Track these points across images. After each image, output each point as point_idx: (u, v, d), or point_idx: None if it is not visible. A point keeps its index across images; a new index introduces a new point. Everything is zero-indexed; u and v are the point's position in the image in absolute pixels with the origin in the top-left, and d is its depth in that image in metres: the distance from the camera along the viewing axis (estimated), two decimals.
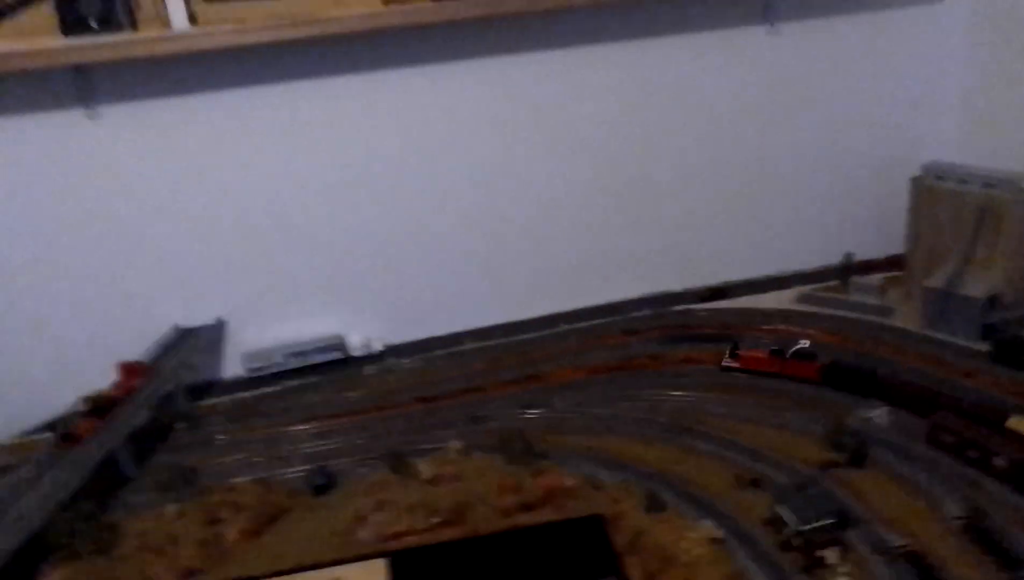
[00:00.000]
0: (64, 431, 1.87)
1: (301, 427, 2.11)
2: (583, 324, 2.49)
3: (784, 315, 2.44)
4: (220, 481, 1.89)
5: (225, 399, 2.26)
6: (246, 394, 2.27)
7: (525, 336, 2.45)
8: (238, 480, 1.89)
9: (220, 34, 1.91)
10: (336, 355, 2.35)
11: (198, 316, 2.30)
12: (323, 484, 1.86)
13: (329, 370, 2.33)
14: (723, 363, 2.18)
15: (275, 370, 2.32)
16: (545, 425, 2.00)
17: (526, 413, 2.07)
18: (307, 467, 1.92)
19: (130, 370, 2.06)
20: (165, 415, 2.11)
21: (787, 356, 2.13)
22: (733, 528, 1.61)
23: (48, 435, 1.99)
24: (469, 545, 1.63)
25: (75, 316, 2.22)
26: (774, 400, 2.03)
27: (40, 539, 1.66)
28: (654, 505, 1.66)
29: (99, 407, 1.94)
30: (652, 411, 2.02)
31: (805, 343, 2.13)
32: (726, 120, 2.48)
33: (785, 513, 1.58)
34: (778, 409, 1.99)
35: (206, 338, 2.26)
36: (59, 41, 1.88)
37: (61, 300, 2.21)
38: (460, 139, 2.31)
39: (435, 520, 1.68)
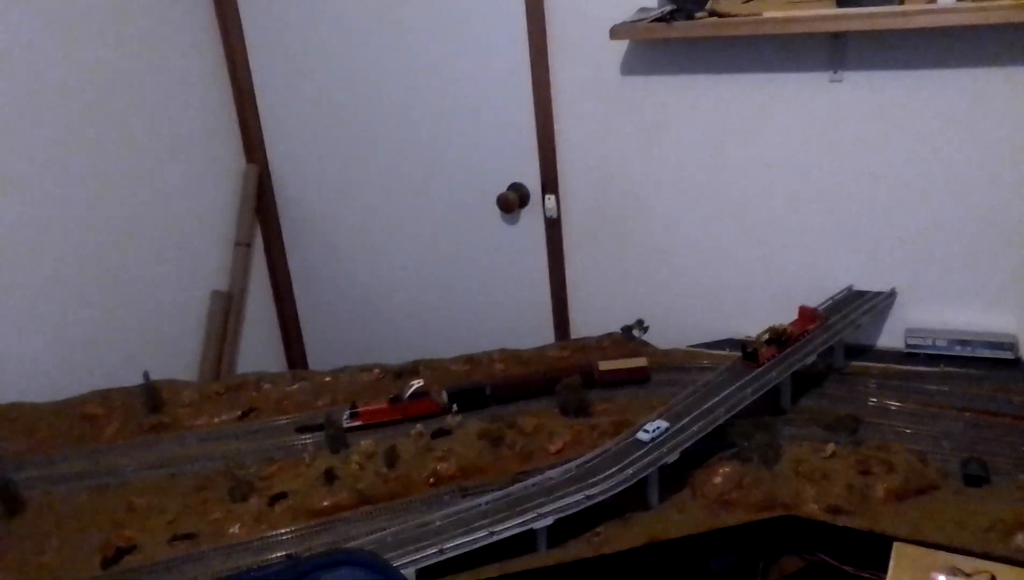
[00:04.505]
0: (750, 351, 2.15)
1: (954, 413, 2.08)
2: None
3: None
4: (876, 438, 1.99)
5: (878, 365, 2.33)
6: (900, 367, 2.31)
7: None
8: (893, 443, 1.96)
9: (993, 10, 1.84)
10: (1005, 354, 2.24)
11: (873, 283, 2.40)
12: (978, 476, 1.83)
13: (993, 367, 2.24)
14: (345, 425, 1.99)
15: (934, 352, 2.31)
16: None
17: None
18: (960, 455, 1.91)
19: (808, 315, 2.26)
20: (823, 363, 2.26)
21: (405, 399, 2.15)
22: None
23: (730, 352, 2.29)
24: None
25: (767, 260, 2.50)
26: None
27: (718, 435, 1.96)
28: None
29: (779, 339, 2.17)
30: None
31: (419, 382, 2.18)
32: None
33: None
34: None
35: (876, 304, 2.35)
36: (825, 10, 2.07)
37: (757, 245, 2.49)
38: None
39: None
